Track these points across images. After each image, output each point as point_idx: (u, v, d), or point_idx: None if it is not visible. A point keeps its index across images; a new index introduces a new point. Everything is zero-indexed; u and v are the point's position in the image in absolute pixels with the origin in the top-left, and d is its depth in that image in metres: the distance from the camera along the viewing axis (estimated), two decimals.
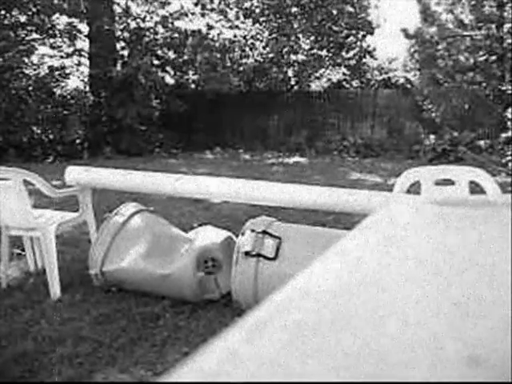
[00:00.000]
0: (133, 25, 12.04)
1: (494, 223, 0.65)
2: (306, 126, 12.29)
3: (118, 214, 2.88)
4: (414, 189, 2.80)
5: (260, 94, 13.18)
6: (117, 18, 11.94)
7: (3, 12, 10.60)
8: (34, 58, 11.33)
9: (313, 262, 0.47)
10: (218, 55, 12.27)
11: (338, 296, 0.40)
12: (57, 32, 11.17)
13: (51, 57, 11.47)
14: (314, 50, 13.33)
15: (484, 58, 10.73)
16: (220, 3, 13.08)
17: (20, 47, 10.71)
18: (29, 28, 10.95)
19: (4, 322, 2.41)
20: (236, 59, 13.45)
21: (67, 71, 11.54)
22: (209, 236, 2.82)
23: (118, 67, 11.41)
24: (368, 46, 13.41)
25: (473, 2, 11.30)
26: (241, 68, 13.42)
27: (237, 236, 2.63)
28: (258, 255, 2.43)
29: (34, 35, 11.09)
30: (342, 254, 0.52)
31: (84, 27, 11.55)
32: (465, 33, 11.29)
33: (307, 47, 13.42)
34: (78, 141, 11.23)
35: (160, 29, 12.16)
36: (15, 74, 10.74)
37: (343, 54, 13.45)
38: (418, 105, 11.19)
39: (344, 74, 13.80)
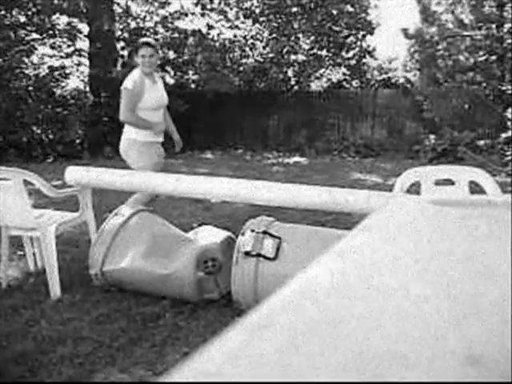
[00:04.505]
0: (133, 25, 12.04)
1: (494, 223, 0.65)
2: (306, 125, 12.29)
3: (118, 214, 2.88)
4: (414, 189, 2.80)
5: (260, 94, 13.17)
6: (117, 18, 11.93)
7: (3, 12, 10.60)
8: (34, 58, 11.34)
9: (313, 262, 0.47)
10: (218, 55, 12.26)
11: (337, 296, 0.40)
12: (57, 32, 11.16)
13: (51, 57, 11.46)
14: (314, 50, 13.32)
15: (484, 57, 10.73)
16: (220, 3, 13.07)
17: (20, 47, 10.71)
18: (29, 28, 10.94)
19: (4, 321, 2.41)
20: (236, 59, 13.44)
21: (67, 71, 11.52)
22: (209, 236, 2.82)
23: (118, 67, 11.41)
24: (368, 46, 13.41)
25: (473, 2, 11.30)
26: (241, 68, 13.41)
27: (237, 236, 2.63)
28: (258, 255, 2.43)
29: (34, 35, 11.08)
30: (341, 254, 0.52)
31: (84, 27, 11.54)
32: (465, 33, 11.29)
33: (307, 47, 13.41)
34: (77, 141, 11.22)
35: (160, 29, 12.15)
36: (15, 74, 10.73)
37: (343, 53, 13.44)
38: (418, 105, 11.18)
39: (344, 74, 13.79)
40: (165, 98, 3.60)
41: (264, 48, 13.53)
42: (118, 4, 12.06)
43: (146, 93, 3.39)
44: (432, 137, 10.10)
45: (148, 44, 3.46)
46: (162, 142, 3.69)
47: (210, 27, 12.83)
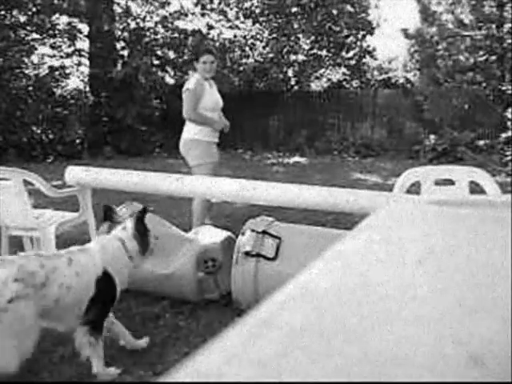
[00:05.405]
0: (133, 25, 12.03)
1: (494, 223, 0.65)
2: (306, 125, 12.28)
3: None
4: (414, 189, 2.80)
5: (260, 94, 13.17)
6: (117, 18, 11.93)
7: (3, 12, 10.60)
8: (34, 58, 11.34)
9: (313, 263, 0.47)
10: (218, 55, 12.25)
11: (337, 296, 0.40)
12: (57, 32, 11.17)
13: (51, 57, 11.46)
14: (314, 50, 13.32)
15: (484, 58, 10.73)
16: (220, 3, 13.07)
17: (20, 47, 10.71)
18: (29, 28, 10.94)
19: None
20: (236, 59, 13.45)
21: (67, 71, 11.53)
22: (209, 236, 2.82)
23: (118, 67, 11.41)
24: (368, 46, 13.41)
25: (473, 2, 11.30)
26: (241, 68, 13.41)
27: (237, 236, 2.63)
28: (258, 255, 2.43)
29: (34, 35, 11.09)
30: (341, 255, 0.52)
31: (84, 27, 11.55)
32: (465, 33, 11.29)
33: (307, 47, 13.42)
34: (77, 141, 11.22)
35: (160, 29, 12.15)
36: (15, 74, 10.73)
37: (343, 53, 13.44)
38: (418, 105, 11.18)
39: (344, 73, 13.80)
40: (220, 101, 3.98)
41: (264, 48, 13.53)
42: (118, 4, 12.06)
43: (205, 95, 3.72)
44: (432, 137, 10.10)
45: (209, 51, 3.81)
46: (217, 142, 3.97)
47: (210, 27, 12.83)
